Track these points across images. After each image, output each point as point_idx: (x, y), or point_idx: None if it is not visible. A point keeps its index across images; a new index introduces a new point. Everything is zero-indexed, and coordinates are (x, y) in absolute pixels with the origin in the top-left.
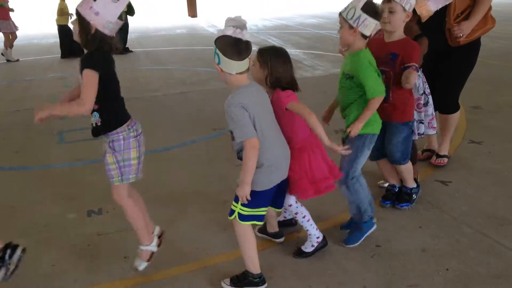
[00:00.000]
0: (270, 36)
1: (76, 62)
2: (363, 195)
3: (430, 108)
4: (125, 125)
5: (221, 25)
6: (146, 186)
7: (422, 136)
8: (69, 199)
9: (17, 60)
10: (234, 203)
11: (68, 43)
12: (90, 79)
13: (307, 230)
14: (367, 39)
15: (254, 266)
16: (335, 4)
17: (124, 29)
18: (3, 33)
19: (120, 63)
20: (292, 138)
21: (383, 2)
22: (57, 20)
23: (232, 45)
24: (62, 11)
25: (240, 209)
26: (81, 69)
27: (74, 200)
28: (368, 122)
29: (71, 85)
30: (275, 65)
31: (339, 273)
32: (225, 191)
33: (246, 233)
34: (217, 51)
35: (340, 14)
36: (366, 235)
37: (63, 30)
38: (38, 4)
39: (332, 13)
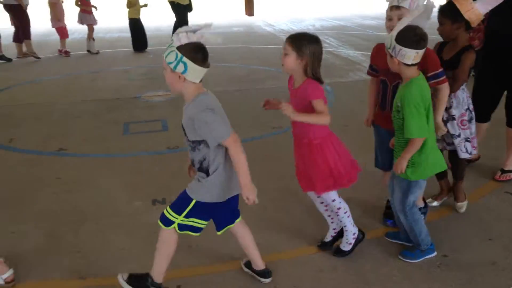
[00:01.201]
0: (328, 37)
1: (142, 56)
2: (420, 225)
3: (473, 126)
4: None
5: (278, 24)
6: None
7: (470, 156)
8: (134, 187)
9: (97, 52)
10: (173, 214)
11: (140, 36)
12: None
13: (345, 226)
14: (417, 65)
15: (159, 274)
16: None
17: (180, 26)
18: (88, 25)
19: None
20: (309, 132)
21: (391, 9)
22: (128, 13)
23: (198, 50)
24: (131, 3)
25: (180, 220)
26: None
27: (139, 189)
28: (416, 165)
29: (133, 78)
30: (316, 52)
31: (405, 281)
32: (284, 189)
33: (171, 241)
34: (184, 59)
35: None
36: (427, 257)
37: (133, 23)
38: None
39: None
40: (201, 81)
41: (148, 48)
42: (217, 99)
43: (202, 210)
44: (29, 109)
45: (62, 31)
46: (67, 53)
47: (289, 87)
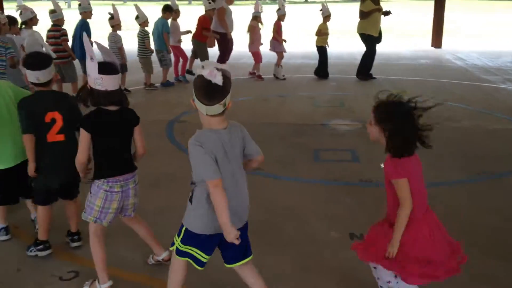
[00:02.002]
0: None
1: (325, 84)
2: None
3: None
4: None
5: (470, 59)
6: None
7: None
8: (330, 217)
9: (284, 79)
10: (176, 236)
11: (324, 64)
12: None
13: None
14: None
15: None
16: None
17: (370, 56)
18: (277, 52)
19: (364, 89)
20: (394, 213)
21: None
22: (316, 41)
23: (201, 87)
24: (320, 32)
25: (178, 244)
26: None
27: (335, 219)
28: None
29: (319, 105)
30: (397, 126)
31: None
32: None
33: (178, 269)
34: (193, 89)
35: None
36: None
37: (320, 50)
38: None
39: None
40: (214, 116)
41: (330, 76)
42: (231, 137)
43: (193, 239)
44: None
45: (258, 55)
46: (260, 77)
47: None
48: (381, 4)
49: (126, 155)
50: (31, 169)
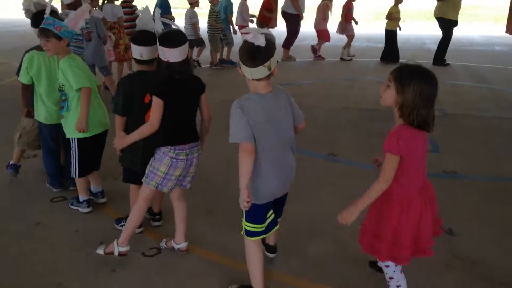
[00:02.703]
0: None
1: (391, 68)
2: None
3: None
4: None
5: None
6: None
7: None
8: None
9: (350, 59)
10: (242, 219)
11: (390, 47)
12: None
13: None
14: None
15: (256, 284)
16: None
17: (447, 42)
18: (347, 35)
19: (438, 76)
20: (393, 187)
21: None
22: (386, 25)
23: (245, 50)
24: (391, 16)
25: (245, 225)
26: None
27: None
28: None
29: None
30: (416, 93)
31: None
32: None
33: (252, 250)
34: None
35: None
36: None
37: (388, 34)
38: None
39: None
40: (260, 79)
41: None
42: (278, 103)
43: (251, 212)
44: None
45: (326, 33)
46: (321, 57)
47: None
48: None
49: (192, 124)
50: (119, 147)
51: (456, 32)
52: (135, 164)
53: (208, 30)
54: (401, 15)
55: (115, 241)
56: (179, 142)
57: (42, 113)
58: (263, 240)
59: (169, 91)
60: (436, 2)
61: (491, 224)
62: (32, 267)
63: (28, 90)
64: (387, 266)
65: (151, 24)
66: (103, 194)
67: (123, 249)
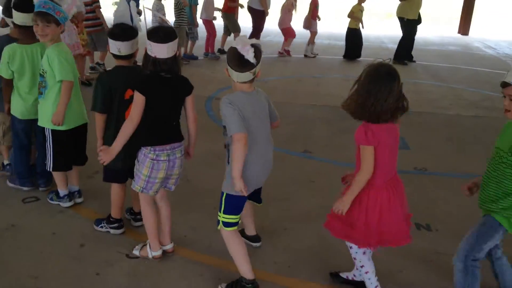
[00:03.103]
0: None
1: (357, 66)
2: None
3: None
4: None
5: (500, 48)
6: None
7: None
8: None
9: (314, 56)
10: (218, 212)
11: (351, 45)
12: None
13: (365, 282)
14: None
15: (244, 271)
16: None
17: (407, 41)
18: (310, 31)
19: (401, 73)
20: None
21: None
22: (349, 23)
23: (234, 58)
24: (353, 14)
25: (222, 217)
26: None
27: None
28: None
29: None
30: (365, 88)
31: None
32: None
33: (232, 239)
34: (226, 58)
35: (510, 84)
36: None
37: (351, 32)
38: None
39: None
40: (245, 82)
41: (362, 58)
42: (260, 101)
43: (235, 203)
44: None
45: (290, 31)
46: (288, 53)
47: None
48: None
49: (175, 124)
50: (99, 147)
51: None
52: (116, 161)
53: (174, 22)
54: (364, 14)
55: (147, 246)
56: (159, 142)
57: (19, 107)
58: (243, 233)
59: (152, 88)
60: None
61: (465, 219)
62: (11, 272)
63: (10, 86)
64: (350, 247)
65: (128, 16)
66: (80, 193)
67: (157, 253)
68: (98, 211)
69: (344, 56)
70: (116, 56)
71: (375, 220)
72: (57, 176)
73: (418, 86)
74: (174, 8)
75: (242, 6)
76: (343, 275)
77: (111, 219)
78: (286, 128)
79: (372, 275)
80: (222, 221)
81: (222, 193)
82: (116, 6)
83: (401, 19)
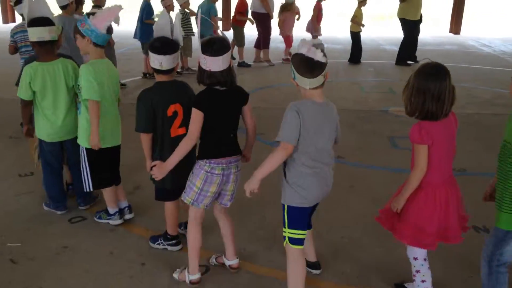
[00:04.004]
0: None
1: (361, 69)
2: None
3: None
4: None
5: (494, 45)
6: None
7: None
8: None
9: None
10: (283, 228)
11: (356, 49)
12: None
13: None
14: None
15: None
16: None
17: (408, 43)
18: (314, 36)
19: (405, 74)
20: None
21: None
22: (351, 27)
23: (304, 63)
24: (355, 18)
25: (289, 232)
26: None
27: None
28: None
29: (367, 91)
30: (416, 87)
31: None
32: None
33: (296, 260)
34: (292, 67)
35: None
36: None
37: (355, 36)
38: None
39: None
40: (316, 88)
41: (374, 61)
42: (329, 112)
43: (298, 216)
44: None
45: (289, 39)
46: (289, 60)
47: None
48: None
49: (232, 136)
50: (148, 166)
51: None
52: (165, 183)
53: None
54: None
55: (186, 269)
56: (215, 155)
57: (45, 129)
58: None
59: (209, 103)
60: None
61: None
62: None
63: (29, 107)
64: (415, 259)
65: (168, 29)
66: (130, 209)
67: (194, 277)
68: (149, 228)
69: (350, 60)
70: (157, 71)
71: (435, 218)
72: (106, 193)
73: None
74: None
75: (252, 22)
76: (409, 286)
77: (168, 236)
78: None
79: (429, 283)
80: (288, 237)
81: (283, 206)
82: (157, 19)
83: (402, 20)
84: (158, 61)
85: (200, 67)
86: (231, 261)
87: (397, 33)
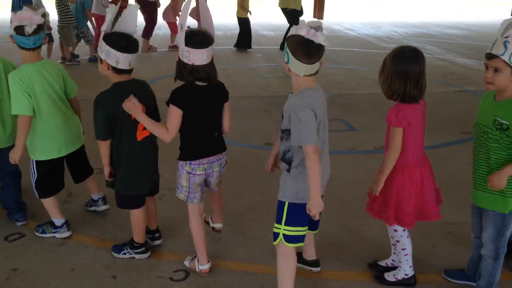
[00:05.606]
0: (425, 44)
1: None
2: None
3: None
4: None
5: (357, 29)
6: None
7: None
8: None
9: None
10: (276, 224)
11: (244, 35)
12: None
13: (399, 262)
14: None
15: None
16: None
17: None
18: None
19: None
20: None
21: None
22: (238, 12)
23: (302, 46)
24: (243, 3)
25: (284, 229)
26: None
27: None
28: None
29: (265, 76)
30: (392, 70)
31: None
32: None
33: (288, 260)
34: (287, 49)
35: (496, 56)
36: None
37: (242, 21)
38: None
39: (468, 24)
40: (311, 75)
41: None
42: (324, 97)
43: (299, 213)
44: None
45: (175, 26)
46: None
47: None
48: None
49: (216, 135)
50: (107, 174)
51: (267, 19)
52: (131, 190)
53: (58, 22)
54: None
55: (196, 259)
56: (195, 157)
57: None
58: (300, 258)
59: (189, 99)
60: None
61: (454, 186)
62: None
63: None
64: (395, 231)
65: (134, 26)
66: (105, 200)
67: (204, 267)
68: (103, 237)
69: (236, 46)
70: (119, 71)
71: (412, 197)
72: (47, 203)
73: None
74: (56, 5)
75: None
76: (382, 263)
77: (135, 244)
78: (241, 124)
79: (410, 256)
80: (284, 235)
81: (282, 203)
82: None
83: (284, 9)
84: (128, 60)
85: (180, 61)
86: (215, 223)
87: (269, 19)
